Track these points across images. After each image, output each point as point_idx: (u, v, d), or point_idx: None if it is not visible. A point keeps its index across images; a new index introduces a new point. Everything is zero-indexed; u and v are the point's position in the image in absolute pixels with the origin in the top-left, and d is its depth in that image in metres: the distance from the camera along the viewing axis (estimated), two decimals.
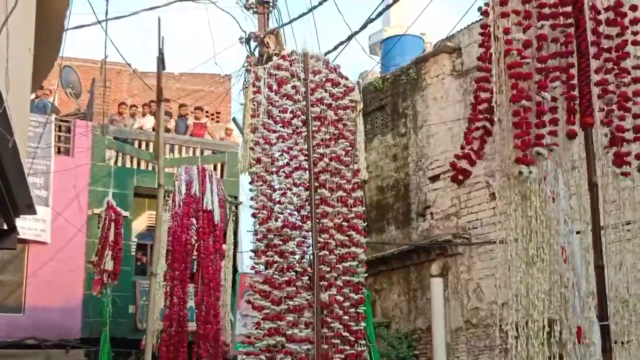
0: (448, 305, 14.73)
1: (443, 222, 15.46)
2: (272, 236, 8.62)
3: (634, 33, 5.15)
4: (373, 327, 8.93)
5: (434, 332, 14.59)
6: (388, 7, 15.34)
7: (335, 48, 14.47)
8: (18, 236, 9.36)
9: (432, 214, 15.89)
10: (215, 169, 19.89)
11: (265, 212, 8.70)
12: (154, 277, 9.56)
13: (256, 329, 8.40)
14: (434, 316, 14.70)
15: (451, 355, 14.50)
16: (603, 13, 5.17)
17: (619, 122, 5.01)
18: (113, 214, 12.14)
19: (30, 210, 9.17)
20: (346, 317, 8.52)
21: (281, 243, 8.66)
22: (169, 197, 10.78)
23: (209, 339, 11.56)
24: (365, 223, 9.26)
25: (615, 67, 5.09)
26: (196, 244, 12.29)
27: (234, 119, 20.51)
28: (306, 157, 8.89)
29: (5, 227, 8.80)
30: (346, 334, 8.49)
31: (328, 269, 8.60)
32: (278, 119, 9.01)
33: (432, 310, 14.78)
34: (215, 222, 12.10)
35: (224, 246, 12.73)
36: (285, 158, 8.94)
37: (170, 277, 12.28)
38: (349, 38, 14.75)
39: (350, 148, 9.10)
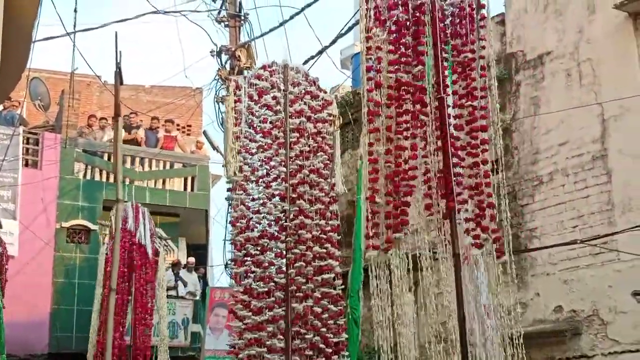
0: (417, 320, 14.77)
1: (412, 236, 15.51)
2: (250, 245, 8.61)
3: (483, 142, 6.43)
4: (356, 349, 8.83)
5: (402, 347, 14.60)
6: (358, 22, 15.45)
7: (306, 62, 14.59)
8: None
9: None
10: (185, 182, 19.82)
11: (244, 221, 8.68)
12: (113, 292, 9.66)
13: (240, 338, 8.34)
14: (403, 331, 14.71)
15: None
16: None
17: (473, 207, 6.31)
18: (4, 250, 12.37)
19: None
20: (324, 329, 8.49)
21: (258, 253, 8.63)
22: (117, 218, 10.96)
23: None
24: (340, 236, 9.26)
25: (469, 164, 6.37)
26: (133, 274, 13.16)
27: (204, 132, 20.45)
28: (285, 168, 8.89)
29: None
30: (323, 345, 8.46)
31: (304, 280, 8.58)
32: (258, 129, 8.99)
33: (402, 325, 14.80)
34: (149, 255, 12.53)
35: (158, 275, 13.66)
36: (264, 168, 8.93)
37: (105, 305, 12.88)
38: (320, 52, 14.87)
39: (328, 162, 9.11)
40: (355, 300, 8.56)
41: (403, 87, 6.16)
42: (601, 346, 11.44)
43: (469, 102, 6.33)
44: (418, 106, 6.17)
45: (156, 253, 13.83)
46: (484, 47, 6.48)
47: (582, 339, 11.64)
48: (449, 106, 6.37)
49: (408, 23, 6.28)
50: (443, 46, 6.39)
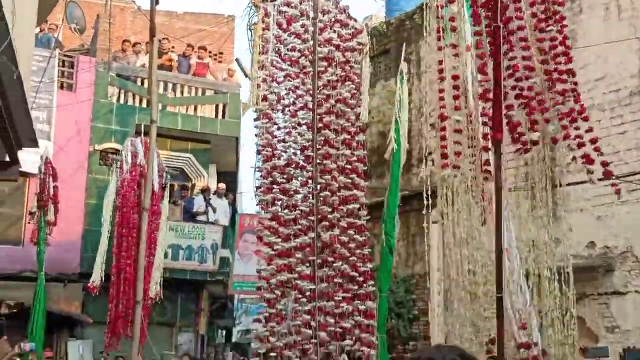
0: (448, 252, 14.83)
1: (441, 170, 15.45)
2: (276, 173, 8.64)
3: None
4: (389, 277, 8.83)
5: (432, 277, 14.74)
6: None
7: None
8: (20, 169, 9.48)
9: (433, 160, 15.88)
10: (216, 109, 19.86)
11: (269, 149, 8.69)
12: (145, 211, 9.75)
13: (269, 264, 8.44)
14: (431, 262, 14.83)
15: (448, 300, 14.68)
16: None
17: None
18: (51, 169, 12.56)
19: (33, 143, 9.23)
20: (353, 258, 8.55)
21: (284, 181, 8.67)
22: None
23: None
24: (366, 167, 9.24)
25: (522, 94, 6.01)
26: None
27: (236, 60, 20.40)
28: (312, 97, 8.83)
29: (7, 158, 8.88)
30: (354, 273, 8.52)
31: (330, 209, 8.61)
32: (286, 57, 8.91)
33: (430, 255, 14.91)
34: (155, 190, 13.00)
35: (161, 207, 14.01)
36: (291, 97, 8.88)
37: (118, 233, 13.44)
38: None
39: (355, 91, 9.02)
40: (390, 227, 8.55)
41: None
42: (635, 283, 11.41)
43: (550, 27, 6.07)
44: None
45: (162, 187, 14.19)
46: None
47: (615, 275, 11.61)
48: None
49: None
50: None
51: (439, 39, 6.69)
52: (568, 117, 6.08)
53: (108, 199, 13.52)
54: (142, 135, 14.38)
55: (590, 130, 6.10)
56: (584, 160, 6.07)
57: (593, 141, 6.10)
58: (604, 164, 6.05)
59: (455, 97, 6.19)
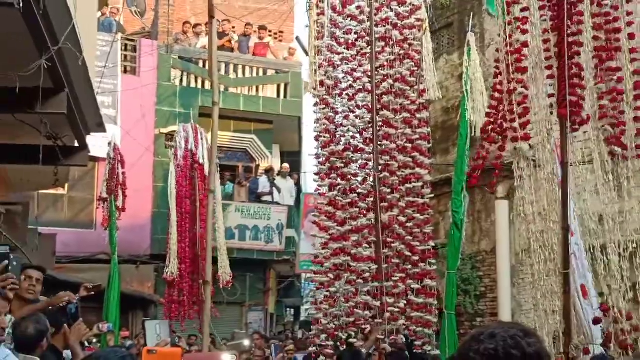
0: (513, 228, 14.60)
1: (510, 143, 15.14)
2: (335, 159, 8.62)
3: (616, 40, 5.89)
4: (457, 254, 8.69)
5: (499, 254, 14.52)
6: None
7: None
8: (89, 154, 9.63)
9: (500, 135, 15.57)
10: (278, 89, 19.86)
11: (327, 135, 8.67)
12: (211, 194, 9.85)
13: (323, 248, 8.51)
14: (498, 238, 14.61)
15: (515, 277, 14.46)
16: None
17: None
18: (119, 156, 12.75)
19: (100, 128, 9.35)
20: (409, 238, 8.50)
21: (343, 165, 8.65)
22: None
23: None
24: (430, 144, 9.11)
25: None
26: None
27: (297, 38, 20.32)
28: (370, 79, 8.75)
29: (76, 144, 9.02)
30: (409, 253, 8.50)
31: (389, 190, 8.57)
32: (342, 40, 8.85)
33: (497, 232, 14.68)
34: (206, 174, 13.13)
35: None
36: (348, 80, 8.81)
37: (177, 213, 13.73)
38: None
39: (415, 68, 8.88)
40: (457, 202, 8.43)
41: None
42: None
43: None
44: None
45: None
46: None
47: None
48: None
49: None
50: None
51: (505, 13, 6.53)
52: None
53: (170, 185, 13.74)
54: (192, 120, 14.60)
55: None
56: None
57: None
58: None
59: (519, 70, 6.01)
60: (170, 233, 13.53)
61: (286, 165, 19.72)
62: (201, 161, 13.69)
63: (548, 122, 6.17)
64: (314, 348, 8.53)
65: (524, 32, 5.94)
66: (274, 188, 18.77)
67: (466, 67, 8.26)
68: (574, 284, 5.91)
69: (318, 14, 8.91)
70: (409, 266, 8.53)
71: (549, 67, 5.81)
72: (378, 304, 8.29)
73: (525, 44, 5.94)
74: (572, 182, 6.13)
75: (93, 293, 7.23)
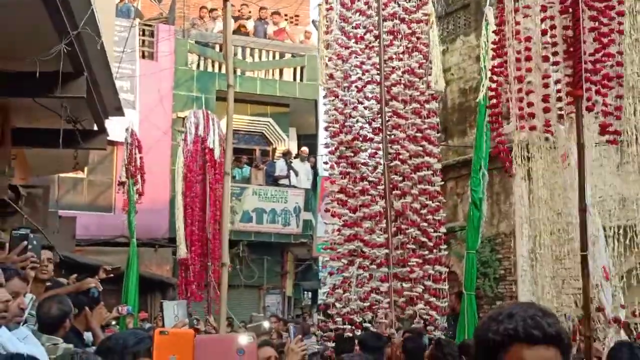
0: (532, 210, 14.57)
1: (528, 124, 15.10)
2: (344, 148, 8.74)
3: (619, 23, 5.72)
4: (476, 234, 8.76)
5: (517, 236, 14.51)
6: None
7: None
8: (107, 137, 9.73)
9: (515, 118, 15.53)
10: (295, 72, 19.88)
11: (337, 125, 8.78)
12: (227, 176, 9.92)
13: (337, 235, 8.61)
14: (517, 221, 14.59)
15: (534, 260, 14.46)
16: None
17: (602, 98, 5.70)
18: (136, 141, 12.83)
19: (119, 112, 9.45)
20: (424, 224, 8.59)
21: (352, 155, 8.76)
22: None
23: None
24: (439, 134, 9.18)
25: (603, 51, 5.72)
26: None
27: (313, 22, 20.30)
28: (378, 72, 8.84)
29: (95, 128, 9.13)
30: (425, 239, 8.58)
31: (400, 178, 8.66)
32: (351, 34, 8.95)
33: (516, 214, 14.67)
34: (216, 159, 13.37)
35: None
36: (357, 73, 8.91)
37: (185, 203, 13.74)
38: None
39: (424, 61, 8.96)
40: (476, 180, 8.44)
41: None
42: None
43: None
44: None
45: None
46: None
47: None
48: None
49: None
50: None
51: None
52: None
53: (178, 169, 13.83)
54: (204, 107, 14.73)
55: None
56: None
57: None
58: None
59: (528, 58, 5.97)
60: (177, 217, 13.63)
61: (305, 148, 19.77)
62: (211, 146, 13.80)
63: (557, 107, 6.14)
64: (323, 333, 8.60)
65: (526, 16, 5.93)
66: (291, 171, 18.83)
67: (484, 41, 8.18)
68: (596, 267, 5.90)
69: (327, 9, 9.05)
70: (426, 252, 8.60)
71: (555, 54, 5.80)
72: (386, 289, 8.38)
73: (528, 38, 5.93)
74: (588, 164, 6.11)
75: (112, 275, 7.33)
